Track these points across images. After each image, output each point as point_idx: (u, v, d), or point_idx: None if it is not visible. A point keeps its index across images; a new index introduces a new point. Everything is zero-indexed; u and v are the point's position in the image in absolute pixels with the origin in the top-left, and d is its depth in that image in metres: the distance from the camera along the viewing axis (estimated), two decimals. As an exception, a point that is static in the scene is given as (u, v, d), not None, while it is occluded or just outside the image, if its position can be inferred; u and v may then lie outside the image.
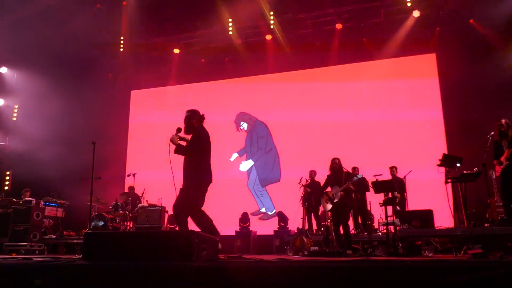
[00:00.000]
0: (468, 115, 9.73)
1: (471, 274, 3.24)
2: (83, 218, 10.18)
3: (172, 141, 5.42)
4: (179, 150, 5.40)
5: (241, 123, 12.07)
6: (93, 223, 9.12)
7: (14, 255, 7.61)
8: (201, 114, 5.56)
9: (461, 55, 10.06)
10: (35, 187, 10.03)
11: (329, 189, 7.54)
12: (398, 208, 8.21)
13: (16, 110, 13.02)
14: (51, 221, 9.82)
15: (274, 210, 11.04)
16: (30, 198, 9.24)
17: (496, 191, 7.38)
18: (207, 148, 5.50)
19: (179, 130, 5.52)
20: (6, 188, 12.35)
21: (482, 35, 10.11)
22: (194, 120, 5.49)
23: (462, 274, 3.27)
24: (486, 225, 7.10)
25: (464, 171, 6.97)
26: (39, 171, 10.87)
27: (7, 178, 12.75)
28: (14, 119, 12.97)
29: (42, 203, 9.23)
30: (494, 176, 7.33)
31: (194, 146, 5.41)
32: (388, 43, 10.89)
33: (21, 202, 8.91)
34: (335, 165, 7.38)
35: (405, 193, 8.69)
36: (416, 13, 10.50)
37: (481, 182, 7.03)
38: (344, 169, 7.45)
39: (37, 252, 8.34)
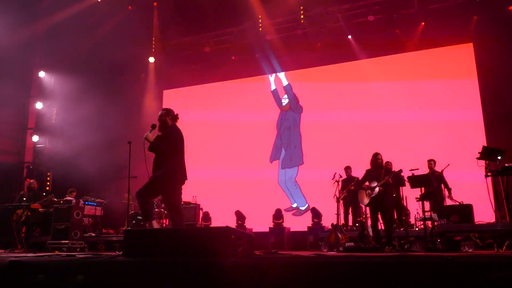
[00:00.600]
0: (509, 106, 9.37)
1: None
2: (121, 217, 10.43)
3: (146, 138, 5.53)
4: (152, 147, 5.49)
5: (286, 98, 12.03)
6: (134, 221, 9.39)
7: (57, 253, 7.89)
8: (175, 113, 5.67)
9: (500, 44, 9.68)
10: (74, 187, 10.33)
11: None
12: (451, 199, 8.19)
13: (55, 113, 13.47)
14: (90, 219, 10.11)
15: (307, 205, 10.99)
16: (70, 198, 9.54)
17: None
18: (181, 146, 5.56)
19: (153, 126, 5.63)
20: (47, 188, 12.81)
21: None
22: (168, 118, 5.60)
23: (507, 269, 3.16)
24: (530, 219, 6.82)
25: (506, 164, 6.73)
26: (78, 171, 11.21)
27: (48, 178, 13.23)
28: (53, 121, 13.43)
29: (81, 202, 9.50)
30: (538, 169, 7.02)
31: (167, 143, 5.48)
32: (422, 34, 10.62)
33: (61, 202, 9.20)
34: (379, 160, 7.26)
35: (442, 186, 8.47)
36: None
37: (525, 174, 6.76)
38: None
39: (78, 249, 8.59)
